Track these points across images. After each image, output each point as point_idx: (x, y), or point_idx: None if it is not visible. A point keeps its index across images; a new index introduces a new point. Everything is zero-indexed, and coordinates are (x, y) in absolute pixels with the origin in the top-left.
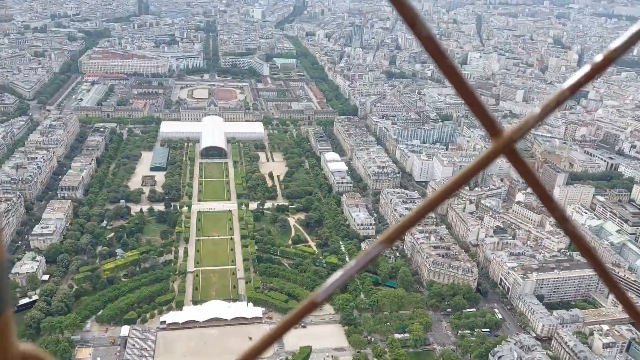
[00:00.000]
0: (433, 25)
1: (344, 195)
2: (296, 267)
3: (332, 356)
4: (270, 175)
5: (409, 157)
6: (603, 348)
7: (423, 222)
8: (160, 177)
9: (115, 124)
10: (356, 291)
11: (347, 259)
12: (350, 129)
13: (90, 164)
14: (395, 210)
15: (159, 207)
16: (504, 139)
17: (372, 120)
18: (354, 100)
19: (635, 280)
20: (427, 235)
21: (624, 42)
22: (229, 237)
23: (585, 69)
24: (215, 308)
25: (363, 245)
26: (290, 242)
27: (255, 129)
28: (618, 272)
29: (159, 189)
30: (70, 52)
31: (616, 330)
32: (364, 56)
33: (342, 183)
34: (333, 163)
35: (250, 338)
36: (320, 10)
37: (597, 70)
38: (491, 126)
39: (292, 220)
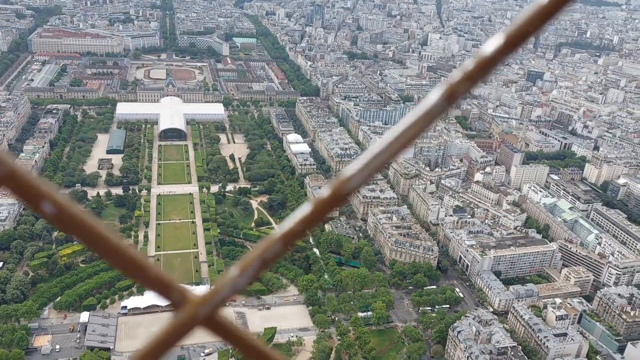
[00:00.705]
0: (394, 6)
1: (307, 177)
2: None
3: (296, 336)
4: (232, 157)
5: (371, 138)
6: (556, 320)
7: (385, 203)
8: (117, 160)
9: (69, 106)
10: (320, 272)
11: (311, 241)
12: (312, 110)
13: (43, 147)
14: (359, 192)
15: (117, 190)
16: (191, 311)
17: (334, 101)
18: (315, 81)
19: (586, 255)
20: (389, 215)
21: (358, 174)
22: (191, 220)
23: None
24: None
25: (326, 226)
26: (253, 224)
27: (215, 110)
28: (570, 248)
29: (116, 172)
30: (18, 30)
31: (568, 303)
32: (325, 36)
33: (305, 165)
34: (295, 145)
35: None
36: None
37: (310, 224)
38: (169, 296)
39: (254, 203)
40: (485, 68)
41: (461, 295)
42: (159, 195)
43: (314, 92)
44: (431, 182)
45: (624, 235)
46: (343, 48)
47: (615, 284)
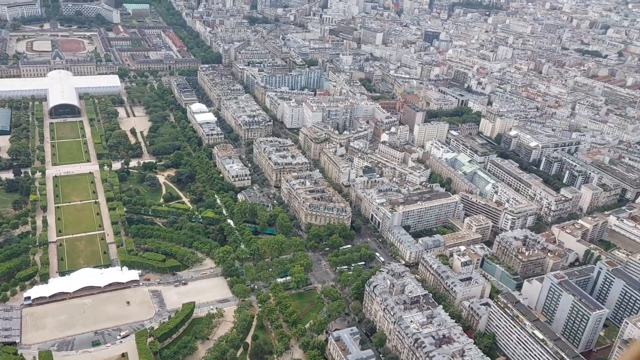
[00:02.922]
0: None
1: (215, 147)
2: (171, 225)
3: (216, 308)
4: (133, 131)
5: (278, 104)
6: (462, 266)
7: (298, 168)
8: (4, 141)
9: None
10: (236, 242)
11: (224, 212)
12: (215, 78)
13: None
14: (270, 158)
15: (7, 175)
16: None
17: (238, 67)
18: (216, 48)
19: (485, 204)
20: (302, 180)
21: None
22: (93, 200)
23: None
24: (86, 276)
25: (239, 196)
26: (161, 200)
27: (110, 82)
28: (471, 198)
29: (4, 155)
30: None
31: (471, 250)
32: (224, 0)
33: (212, 135)
34: (200, 114)
35: (129, 302)
36: None
37: None
38: None
39: (161, 178)
40: None
41: (374, 251)
42: (55, 176)
43: (215, 59)
44: (341, 145)
45: (517, 183)
46: (243, 12)
47: (512, 228)
